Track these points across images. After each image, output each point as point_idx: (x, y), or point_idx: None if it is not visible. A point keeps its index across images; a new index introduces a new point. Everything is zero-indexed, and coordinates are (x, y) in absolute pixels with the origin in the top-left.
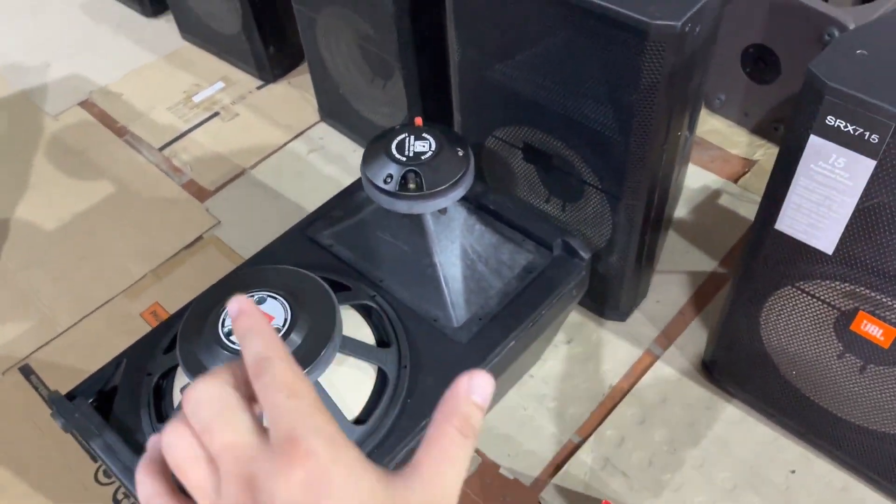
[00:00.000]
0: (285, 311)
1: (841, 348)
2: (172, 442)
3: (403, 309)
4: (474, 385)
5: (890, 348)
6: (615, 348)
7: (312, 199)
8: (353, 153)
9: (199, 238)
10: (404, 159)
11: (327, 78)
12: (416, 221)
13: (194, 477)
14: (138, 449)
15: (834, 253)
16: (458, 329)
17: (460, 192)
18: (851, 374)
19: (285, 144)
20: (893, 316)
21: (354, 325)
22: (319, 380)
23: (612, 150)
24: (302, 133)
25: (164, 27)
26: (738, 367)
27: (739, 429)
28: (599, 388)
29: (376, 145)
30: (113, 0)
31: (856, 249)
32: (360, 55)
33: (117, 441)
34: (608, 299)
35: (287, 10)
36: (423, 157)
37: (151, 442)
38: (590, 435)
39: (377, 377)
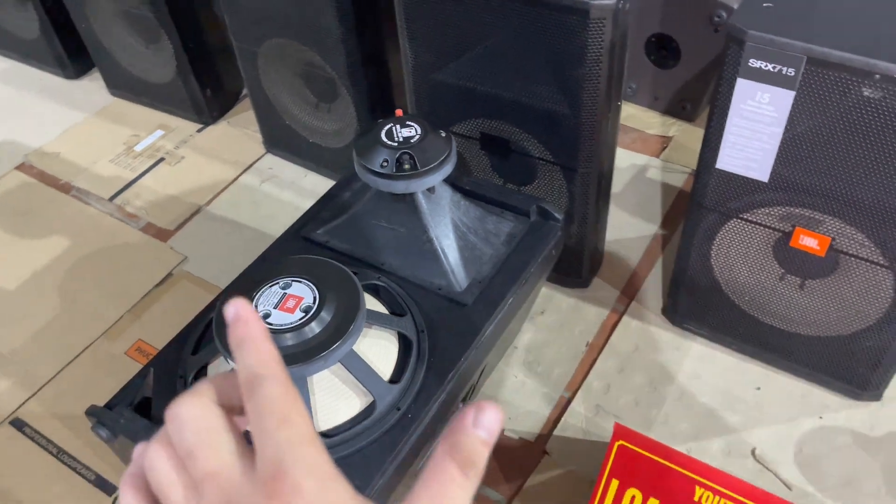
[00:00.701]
0: (313, 291)
1: (781, 271)
2: (154, 464)
3: (408, 284)
4: (481, 419)
5: (825, 257)
6: (584, 312)
7: (273, 224)
8: (304, 178)
9: (169, 275)
10: (396, 144)
11: (270, 110)
12: (409, 203)
13: (175, 501)
14: None
15: (769, 181)
16: (462, 293)
17: (449, 168)
18: (793, 291)
19: (236, 178)
20: (824, 227)
21: (368, 303)
22: (354, 348)
23: (564, 125)
24: (251, 166)
25: (91, 86)
26: (695, 306)
27: (706, 361)
28: (577, 348)
29: (366, 137)
30: (31, 67)
31: (787, 174)
32: (303, 83)
33: None
34: (571, 269)
35: (222, 52)
36: (412, 141)
37: (136, 453)
38: (578, 389)
39: (399, 343)
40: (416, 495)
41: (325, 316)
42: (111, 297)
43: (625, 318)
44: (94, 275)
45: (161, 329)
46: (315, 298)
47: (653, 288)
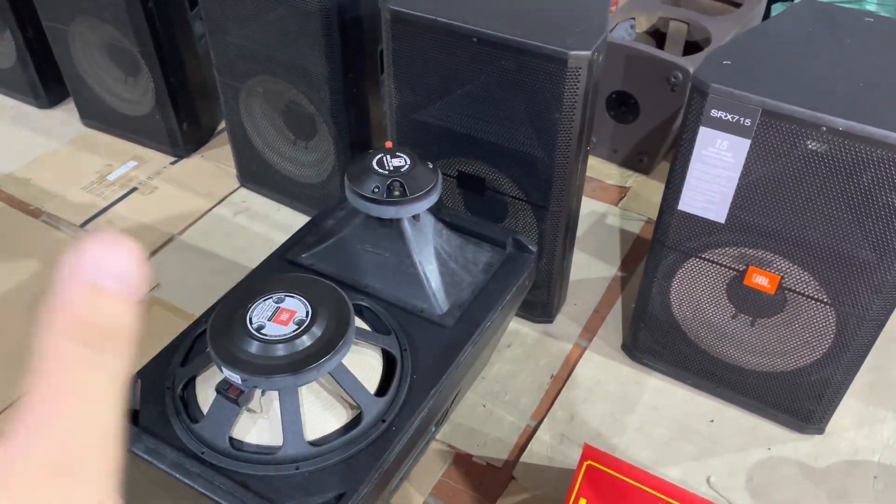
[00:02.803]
0: (305, 306)
1: (734, 309)
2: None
3: (391, 307)
4: (88, 258)
5: (774, 296)
6: (549, 346)
7: (246, 255)
8: (276, 212)
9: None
10: (387, 172)
11: (247, 144)
12: (395, 228)
13: None
14: (178, 447)
15: (726, 222)
16: (443, 316)
17: (435, 196)
18: (744, 329)
19: (209, 210)
20: (774, 266)
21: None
22: (343, 362)
23: (538, 167)
24: (224, 199)
25: (64, 116)
26: (654, 342)
27: (663, 394)
28: (543, 379)
29: (359, 165)
30: (4, 96)
31: (742, 217)
32: (283, 120)
33: (158, 443)
34: (537, 305)
35: (200, 87)
36: (402, 170)
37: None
38: (544, 417)
39: (383, 360)
40: (27, 404)
41: (317, 330)
42: None
43: (587, 353)
44: None
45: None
46: (308, 313)
47: (613, 325)
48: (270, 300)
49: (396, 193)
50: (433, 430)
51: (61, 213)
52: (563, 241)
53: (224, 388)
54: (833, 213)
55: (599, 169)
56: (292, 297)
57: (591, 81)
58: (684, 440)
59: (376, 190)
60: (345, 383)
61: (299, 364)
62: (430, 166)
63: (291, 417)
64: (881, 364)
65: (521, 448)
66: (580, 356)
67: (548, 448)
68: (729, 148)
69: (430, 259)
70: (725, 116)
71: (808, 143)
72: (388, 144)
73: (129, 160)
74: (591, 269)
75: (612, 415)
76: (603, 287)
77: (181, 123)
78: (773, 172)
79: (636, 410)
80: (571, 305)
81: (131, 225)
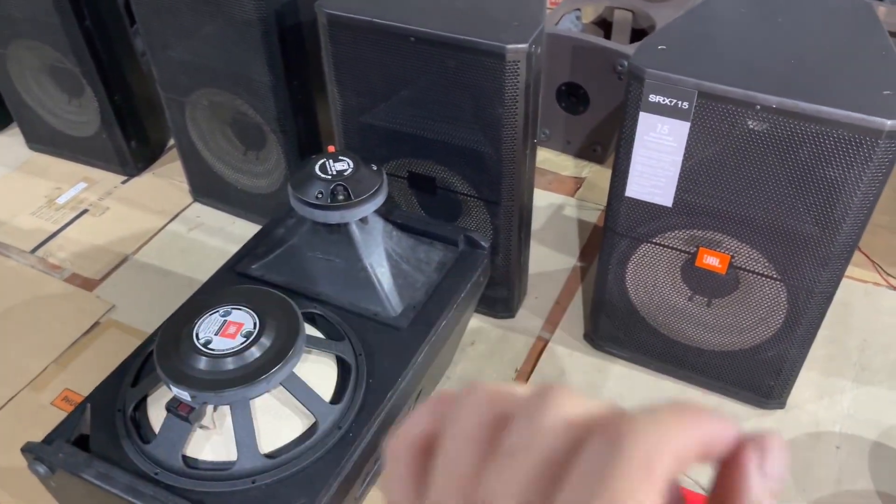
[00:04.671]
0: (253, 318)
1: (690, 292)
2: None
3: (344, 313)
4: (770, 463)
5: (728, 276)
6: (512, 341)
7: (203, 270)
8: (231, 224)
9: (97, 323)
10: (330, 177)
11: (198, 159)
12: (344, 233)
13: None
14: (130, 469)
15: (673, 206)
16: (397, 318)
17: (381, 199)
18: (701, 310)
19: (163, 227)
20: (724, 246)
21: (306, 330)
22: (295, 371)
23: (486, 162)
24: (178, 215)
25: (8, 141)
26: (614, 330)
27: (627, 380)
28: (507, 374)
29: (301, 172)
30: None
31: (689, 199)
32: (231, 131)
33: (110, 467)
34: (498, 301)
35: (147, 104)
36: (345, 174)
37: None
38: None
39: (338, 367)
40: None
41: (266, 341)
42: (35, 350)
43: (550, 345)
44: (17, 329)
45: (89, 377)
46: (255, 324)
47: (575, 316)
48: (217, 314)
49: (341, 198)
50: None
51: (11, 240)
52: (518, 236)
53: (174, 406)
54: (775, 190)
55: (554, 161)
56: (239, 309)
57: (532, 74)
58: None
59: (320, 195)
60: (298, 393)
61: (249, 377)
62: (374, 168)
63: (245, 431)
64: (838, 336)
65: None
66: (543, 349)
67: None
68: (670, 132)
69: (382, 262)
70: (664, 101)
71: (746, 122)
72: (331, 149)
73: (78, 182)
74: (550, 262)
75: None
76: (563, 279)
77: (129, 142)
78: (714, 153)
79: (601, 399)
80: (532, 299)
81: (83, 248)
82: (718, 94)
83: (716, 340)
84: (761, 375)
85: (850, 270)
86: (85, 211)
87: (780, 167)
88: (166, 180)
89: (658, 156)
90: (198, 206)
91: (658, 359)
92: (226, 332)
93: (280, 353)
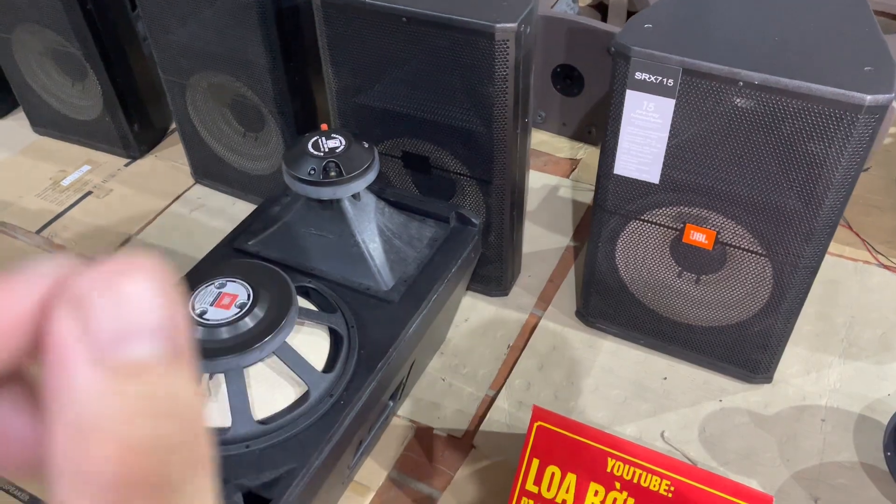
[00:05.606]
0: (247, 289)
1: (679, 269)
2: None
3: (338, 287)
4: (101, 311)
5: (715, 252)
6: (505, 318)
7: (204, 250)
8: (232, 205)
9: None
10: (322, 154)
11: (199, 141)
12: (336, 209)
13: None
14: None
15: (660, 183)
16: (389, 291)
17: (372, 175)
18: (690, 287)
19: (166, 208)
20: (710, 223)
21: (300, 303)
22: (287, 340)
23: (478, 141)
24: (180, 196)
25: (14, 126)
26: (605, 307)
27: (617, 356)
28: (500, 350)
29: (294, 150)
30: None
31: (675, 176)
32: (231, 114)
33: None
34: (492, 279)
35: (149, 88)
36: (337, 151)
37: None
38: (501, 387)
39: (330, 339)
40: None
41: (259, 312)
42: None
43: (542, 322)
44: None
45: None
46: (249, 296)
47: (567, 293)
48: (212, 286)
49: (333, 174)
50: (391, 405)
51: (17, 221)
52: (510, 214)
53: None
54: (759, 166)
55: (550, 143)
56: (234, 281)
57: (522, 53)
58: (639, 398)
59: (312, 172)
60: (290, 362)
61: (242, 345)
62: (366, 146)
63: (239, 398)
64: (827, 313)
65: (481, 418)
66: (536, 325)
67: (506, 416)
68: (656, 109)
69: (374, 237)
70: (649, 78)
71: (730, 99)
72: (324, 127)
73: (82, 165)
74: (544, 241)
75: (568, 379)
76: (556, 257)
77: (132, 125)
78: (699, 131)
79: (591, 374)
80: (526, 277)
81: (87, 229)
82: (702, 70)
83: (704, 316)
84: (748, 350)
85: (841, 249)
86: (89, 193)
87: (763, 143)
88: (169, 163)
89: (645, 133)
90: (199, 188)
91: (647, 334)
92: (220, 303)
93: (273, 323)
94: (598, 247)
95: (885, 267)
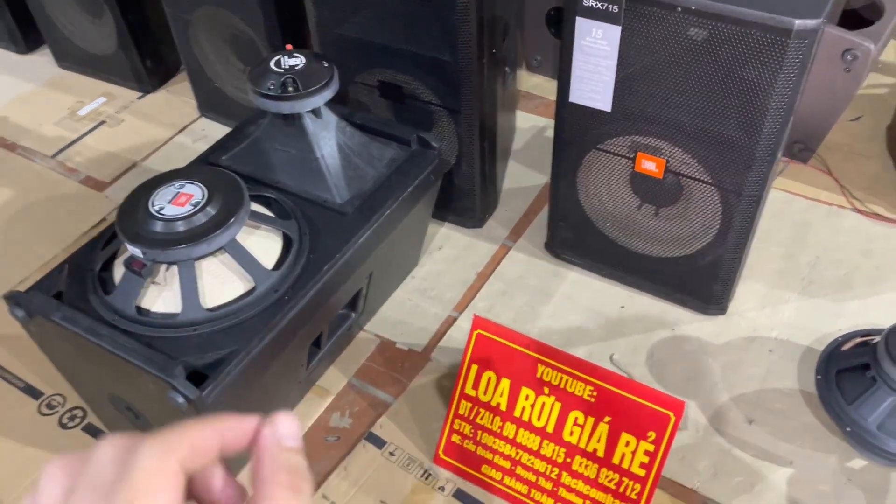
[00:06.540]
0: (202, 190)
1: (639, 201)
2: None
3: (299, 199)
4: (280, 431)
5: (670, 183)
6: (477, 247)
7: None
8: None
9: (103, 220)
10: (282, 71)
11: (202, 75)
12: (298, 126)
13: None
14: (93, 316)
15: (612, 111)
16: (343, 204)
17: (330, 92)
18: (649, 219)
19: (171, 138)
20: (662, 153)
21: (260, 210)
22: (238, 239)
23: (446, 70)
24: (185, 128)
25: (41, 60)
26: (570, 237)
27: (580, 285)
28: (469, 276)
29: (259, 68)
30: None
31: (627, 104)
32: (231, 49)
33: (74, 312)
34: (466, 210)
35: (159, 26)
36: (296, 68)
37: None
38: (465, 308)
39: (283, 243)
40: None
41: (211, 210)
42: (47, 240)
43: (512, 252)
44: (34, 220)
45: None
46: (204, 196)
47: (540, 227)
48: (172, 187)
49: (290, 89)
50: (353, 316)
51: (35, 146)
52: (480, 145)
53: (130, 263)
54: (702, 94)
55: (545, 87)
56: (192, 183)
57: None
58: (594, 324)
59: (272, 87)
60: (239, 258)
61: (193, 238)
62: (326, 65)
63: (189, 287)
64: (793, 253)
65: (442, 335)
66: (506, 255)
67: (465, 334)
68: (604, 36)
69: (333, 154)
70: (596, 5)
71: (671, 25)
72: (289, 47)
73: (98, 97)
74: (525, 178)
75: (529, 304)
76: (534, 194)
77: (144, 61)
78: (646, 58)
79: (552, 301)
80: (503, 211)
81: (98, 155)
82: None
83: (662, 248)
84: (702, 281)
85: (817, 193)
86: (102, 122)
87: (704, 71)
88: (178, 97)
89: (595, 60)
90: (204, 121)
91: (610, 265)
92: (177, 201)
93: (223, 220)
94: (560, 177)
95: (859, 211)
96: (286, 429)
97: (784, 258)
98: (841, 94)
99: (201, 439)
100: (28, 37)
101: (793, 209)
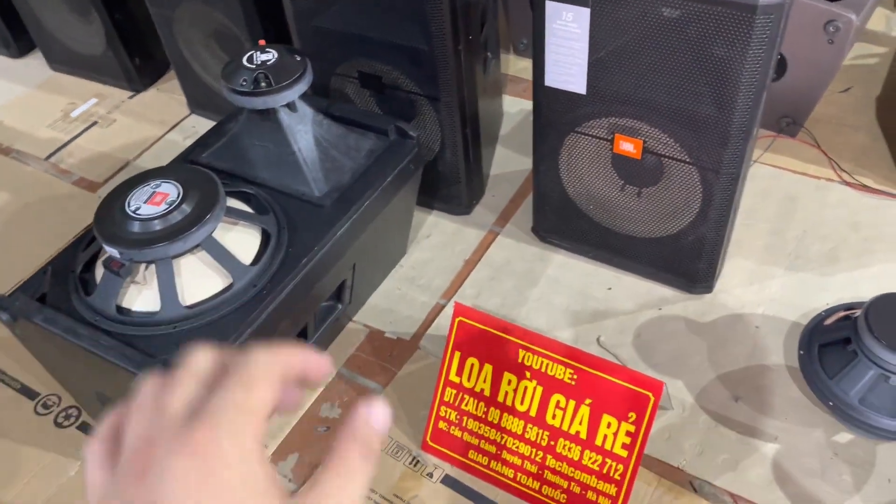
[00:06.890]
0: (178, 189)
1: (622, 182)
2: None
3: (277, 194)
4: (373, 413)
5: (651, 163)
6: (465, 234)
7: None
8: None
9: None
10: (254, 66)
11: (189, 72)
12: (274, 120)
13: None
14: (73, 317)
15: (587, 93)
16: (321, 197)
17: (303, 86)
18: (632, 200)
19: (162, 136)
20: (640, 133)
21: (238, 206)
22: (215, 236)
23: (423, 58)
24: (176, 125)
25: (33, 63)
26: (555, 221)
27: (566, 268)
28: (456, 263)
29: (231, 64)
30: None
31: (602, 86)
32: (215, 44)
33: (56, 313)
34: (453, 197)
35: (147, 24)
36: (268, 63)
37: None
38: (453, 296)
39: (262, 238)
40: (322, 477)
41: (186, 208)
42: (43, 239)
43: (499, 238)
44: (30, 222)
45: None
46: (179, 194)
47: (525, 213)
48: (148, 187)
49: (263, 84)
50: (339, 307)
51: (29, 149)
52: (462, 132)
53: (109, 263)
54: (675, 73)
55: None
56: (167, 182)
57: None
58: (580, 306)
59: (244, 83)
60: (216, 254)
61: (169, 236)
62: (299, 58)
63: (167, 285)
64: (780, 229)
65: (430, 323)
66: (493, 241)
67: None
68: (574, 19)
69: (310, 147)
70: None
71: (641, 5)
72: (262, 42)
73: (90, 98)
74: (512, 164)
75: (516, 289)
76: (521, 179)
77: (133, 59)
78: (617, 39)
79: (539, 284)
80: (490, 197)
81: (90, 155)
82: None
83: (646, 228)
84: (687, 260)
85: (805, 167)
86: (94, 123)
87: (674, 50)
88: (168, 95)
89: (568, 43)
90: (194, 118)
91: (596, 247)
92: (153, 200)
93: (198, 217)
94: (542, 161)
95: (847, 184)
96: (378, 413)
97: (771, 234)
98: (826, 67)
99: (289, 358)
100: (20, 40)
101: (780, 184)
